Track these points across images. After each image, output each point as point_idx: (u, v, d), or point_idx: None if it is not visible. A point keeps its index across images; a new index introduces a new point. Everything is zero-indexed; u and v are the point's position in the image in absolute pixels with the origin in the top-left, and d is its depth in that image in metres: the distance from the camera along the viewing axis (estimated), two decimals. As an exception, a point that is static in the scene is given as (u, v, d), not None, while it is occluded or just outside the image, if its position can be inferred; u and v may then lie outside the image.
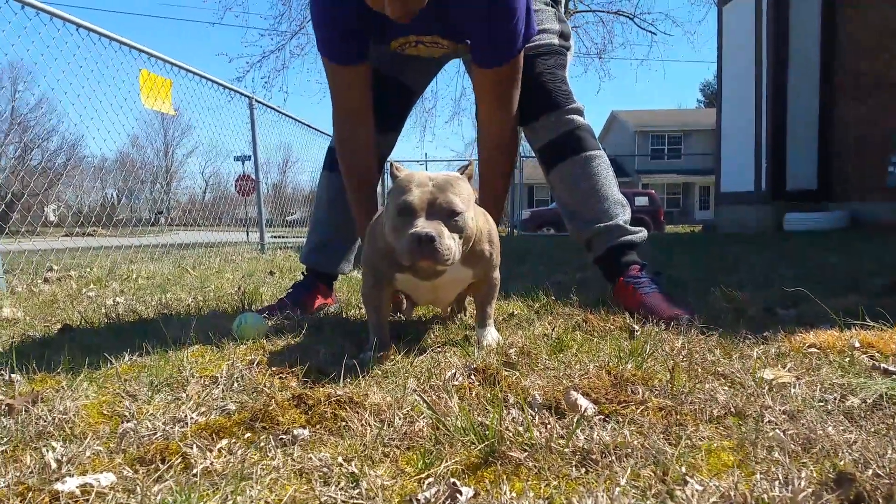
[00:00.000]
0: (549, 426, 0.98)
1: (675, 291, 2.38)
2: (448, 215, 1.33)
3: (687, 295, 2.35)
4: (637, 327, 1.69)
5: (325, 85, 2.53)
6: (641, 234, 2.14)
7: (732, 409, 1.05)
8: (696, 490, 0.77)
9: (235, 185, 8.65)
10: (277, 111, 7.68)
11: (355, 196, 1.94)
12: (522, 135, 2.21)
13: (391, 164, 1.49)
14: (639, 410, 1.04)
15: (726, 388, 1.17)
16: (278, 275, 3.92)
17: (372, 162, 1.95)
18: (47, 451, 0.93)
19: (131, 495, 0.81)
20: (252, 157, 7.02)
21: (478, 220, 1.49)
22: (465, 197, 1.38)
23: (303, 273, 2.35)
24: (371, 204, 1.94)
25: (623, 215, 2.11)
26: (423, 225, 1.30)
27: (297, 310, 2.08)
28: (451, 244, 1.31)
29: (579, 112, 2.10)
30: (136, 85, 4.77)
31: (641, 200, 15.60)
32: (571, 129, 2.08)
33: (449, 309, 2.01)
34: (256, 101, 6.86)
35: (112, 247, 5.24)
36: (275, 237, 9.48)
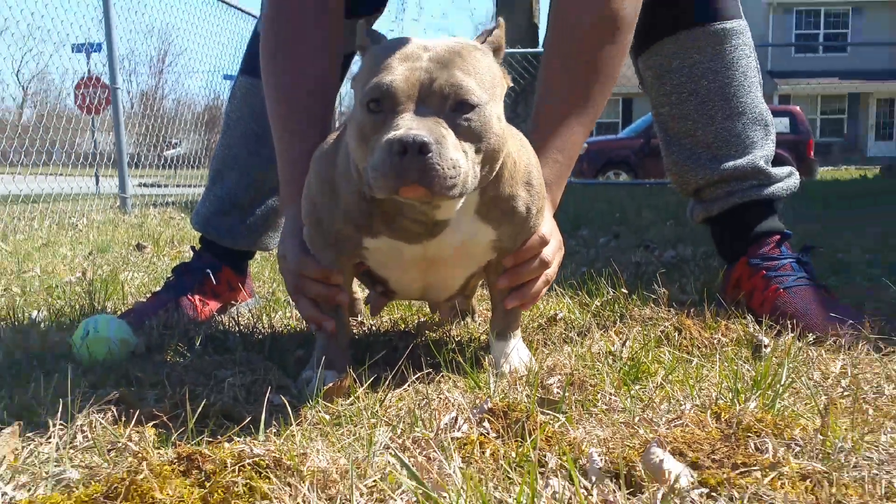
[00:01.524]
0: (614, 507, 0.99)
1: (835, 281, 2.39)
2: (455, 109, 1.29)
3: (852, 287, 2.36)
4: (766, 340, 1.70)
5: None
6: (790, 180, 2.14)
7: (926, 479, 1.06)
8: None
9: (75, 96, 8.59)
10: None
11: (289, 131, 1.76)
12: None
13: (358, 28, 1.46)
14: (767, 480, 1.05)
15: (917, 442, 1.18)
16: (152, 250, 3.93)
17: (335, 74, 1.83)
18: None
19: None
20: (104, 48, 6.96)
21: (510, 144, 1.45)
22: (486, 80, 1.35)
23: (193, 248, 2.36)
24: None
25: (764, 146, 2.11)
26: (409, 124, 1.26)
27: (184, 311, 2.09)
28: (458, 158, 1.26)
29: None
30: None
31: (777, 124, 15.51)
32: None
33: (450, 308, 2.02)
34: (111, -52, 6.78)
35: None
36: (146, 186, 9.45)
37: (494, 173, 1.40)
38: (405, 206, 1.39)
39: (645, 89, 2.16)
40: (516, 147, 1.49)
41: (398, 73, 1.29)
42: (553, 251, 1.60)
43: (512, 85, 1.49)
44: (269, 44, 1.78)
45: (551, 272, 1.61)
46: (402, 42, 1.37)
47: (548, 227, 1.59)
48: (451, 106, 1.29)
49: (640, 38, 1.99)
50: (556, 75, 1.72)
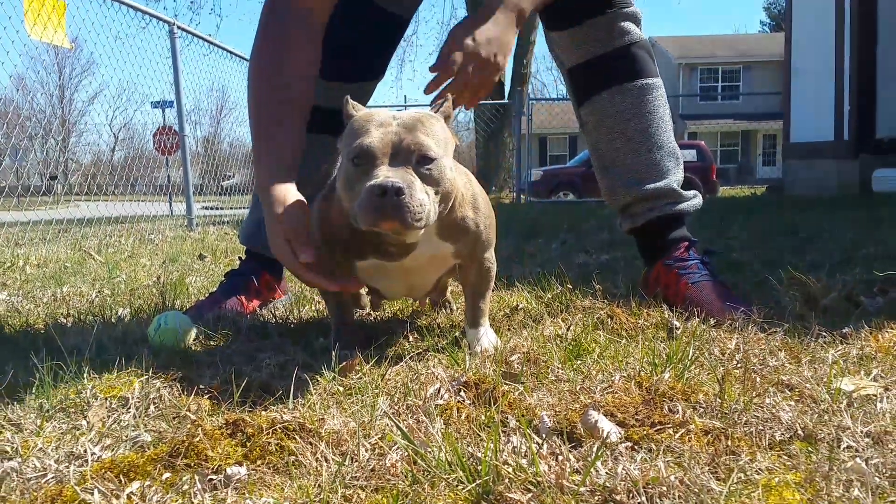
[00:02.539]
0: (560, 458, 0.98)
1: (730, 277, 2.39)
2: (419, 162, 1.32)
3: (744, 281, 2.37)
4: (678, 324, 1.70)
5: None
6: (696, 200, 2.12)
7: (800, 432, 1.06)
8: (750, 539, 0.77)
9: (154, 141, 8.60)
10: (208, 41, 7.60)
11: (271, 129, 1.67)
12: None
13: (345, 101, 1.48)
14: (678, 435, 1.04)
15: (792, 403, 1.18)
16: (211, 259, 3.91)
17: (311, 93, 1.77)
18: None
19: (11, 558, 0.81)
20: (175, 104, 6.95)
21: (458, 180, 1.48)
22: (440, 139, 1.37)
23: (240, 258, 2.34)
24: (292, 152, 1.69)
25: (676, 173, 2.09)
26: (386, 173, 1.28)
27: (233, 307, 2.07)
28: (423, 199, 1.29)
29: (636, 19, 2.02)
30: (19, 8, 4.69)
31: (687, 154, 15.62)
32: (626, 45, 2.00)
33: (427, 300, 2.03)
34: (179, 27, 6.76)
35: (-10, 224, 5.19)
36: (207, 209, 9.43)
37: (448, 206, 1.42)
38: (383, 234, 1.41)
39: (584, 130, 2.15)
40: (463, 182, 1.52)
41: (375, 136, 1.32)
42: (468, 62, 1.60)
43: (460, 143, 1.52)
44: (254, 64, 1.74)
45: (478, 82, 1.61)
46: (376, 113, 1.41)
47: (467, 45, 1.59)
48: (416, 160, 1.31)
49: (582, 92, 2.02)
50: None
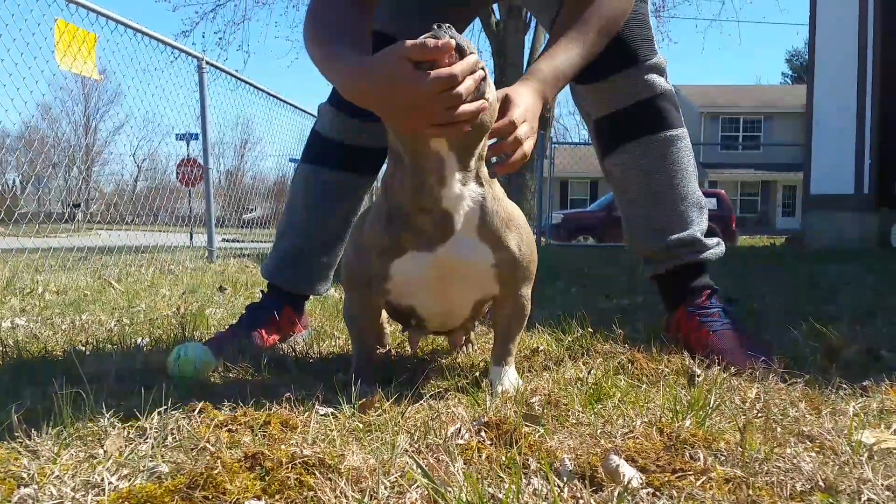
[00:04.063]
0: (581, 501, 0.98)
1: (750, 326, 2.38)
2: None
3: (764, 331, 2.35)
4: (699, 371, 1.69)
5: (297, 44, 2.44)
6: (719, 248, 2.13)
7: (821, 483, 1.05)
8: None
9: (177, 172, 8.72)
10: (234, 76, 7.74)
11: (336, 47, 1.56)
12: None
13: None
14: (699, 482, 1.03)
15: (813, 454, 1.16)
16: (231, 292, 3.93)
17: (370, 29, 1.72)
18: (-77, 521, 0.93)
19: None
20: (200, 136, 7.06)
21: (497, 187, 1.52)
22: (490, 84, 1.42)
23: (262, 291, 2.35)
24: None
25: (700, 222, 2.10)
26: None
27: (253, 340, 2.08)
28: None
29: (662, 71, 2.04)
30: (49, 39, 4.81)
31: (707, 203, 15.58)
32: (652, 97, 2.03)
33: (462, 338, 2.02)
34: (207, 62, 6.90)
35: (11, 250, 5.26)
36: (227, 241, 9.52)
37: (486, 146, 1.48)
38: (419, 190, 1.44)
39: (611, 181, 2.16)
40: (502, 193, 1.55)
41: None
42: (525, 133, 1.57)
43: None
44: (309, 32, 1.65)
45: (527, 148, 1.56)
46: None
47: (519, 113, 1.56)
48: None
49: (607, 144, 2.06)
50: (570, 31, 1.76)
